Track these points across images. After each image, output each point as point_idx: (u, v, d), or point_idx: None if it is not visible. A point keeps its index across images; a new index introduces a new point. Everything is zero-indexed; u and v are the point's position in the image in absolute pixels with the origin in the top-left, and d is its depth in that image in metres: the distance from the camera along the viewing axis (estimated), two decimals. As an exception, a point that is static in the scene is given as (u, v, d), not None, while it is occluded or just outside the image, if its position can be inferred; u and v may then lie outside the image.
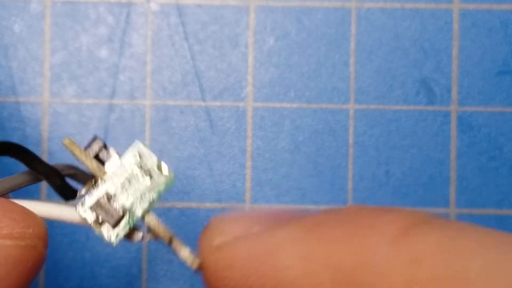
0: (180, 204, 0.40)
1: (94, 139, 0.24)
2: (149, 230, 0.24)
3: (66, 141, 0.24)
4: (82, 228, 0.39)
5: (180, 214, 0.40)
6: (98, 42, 0.40)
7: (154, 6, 0.40)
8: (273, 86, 0.40)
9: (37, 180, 0.25)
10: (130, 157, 0.24)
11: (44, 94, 0.40)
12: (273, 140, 0.40)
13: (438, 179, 0.41)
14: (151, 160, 0.24)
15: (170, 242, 0.24)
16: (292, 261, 0.23)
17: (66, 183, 0.25)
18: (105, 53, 0.40)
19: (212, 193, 0.40)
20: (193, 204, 0.40)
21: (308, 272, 0.23)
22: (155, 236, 0.24)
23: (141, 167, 0.24)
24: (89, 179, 0.25)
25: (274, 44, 0.40)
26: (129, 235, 0.24)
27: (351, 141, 0.40)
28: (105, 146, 0.24)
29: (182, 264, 0.39)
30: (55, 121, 0.40)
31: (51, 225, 0.39)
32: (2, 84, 0.40)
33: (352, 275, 0.23)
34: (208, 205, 0.40)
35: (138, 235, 0.24)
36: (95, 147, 0.24)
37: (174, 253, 0.25)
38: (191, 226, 0.41)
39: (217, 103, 0.40)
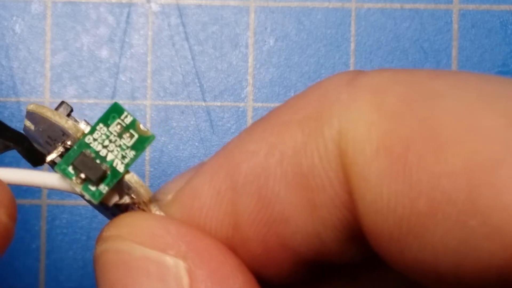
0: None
1: (62, 103, 0.24)
2: (124, 193, 0.24)
3: (32, 106, 0.24)
4: (82, 227, 0.39)
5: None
6: (98, 42, 0.40)
7: (154, 7, 0.40)
8: (273, 86, 0.40)
9: (5, 148, 0.25)
10: (109, 117, 0.23)
11: (45, 94, 0.40)
12: (273, 140, 0.40)
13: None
14: (130, 119, 0.23)
15: (148, 202, 0.23)
16: (258, 142, 0.23)
17: (34, 147, 0.25)
18: (106, 53, 0.40)
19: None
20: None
21: (276, 140, 0.23)
22: (131, 197, 0.24)
23: (120, 126, 0.24)
24: (45, 153, 0.24)
25: (274, 45, 0.40)
26: (106, 198, 0.24)
27: (351, 141, 0.40)
28: (71, 111, 0.24)
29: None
30: (56, 121, 0.40)
31: (51, 225, 0.39)
32: (3, 84, 0.40)
33: (318, 117, 0.22)
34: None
35: (115, 198, 0.24)
36: (63, 110, 0.24)
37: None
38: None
39: (218, 103, 0.40)
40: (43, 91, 0.40)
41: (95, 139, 0.23)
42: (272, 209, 0.23)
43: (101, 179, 0.23)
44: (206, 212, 0.23)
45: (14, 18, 0.40)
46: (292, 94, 0.40)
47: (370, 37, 0.40)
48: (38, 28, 0.40)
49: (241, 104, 0.40)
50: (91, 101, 0.40)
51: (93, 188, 0.23)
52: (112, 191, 0.24)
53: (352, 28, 0.40)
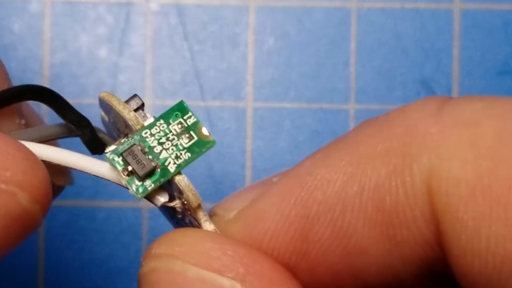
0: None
1: (133, 96, 0.23)
2: (176, 196, 0.23)
3: (104, 93, 0.23)
4: (81, 229, 0.39)
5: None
6: (97, 42, 0.40)
7: (153, 6, 0.40)
8: (273, 86, 0.40)
9: (70, 133, 0.23)
10: (172, 115, 0.23)
11: (43, 94, 0.40)
12: (273, 140, 0.40)
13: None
14: (193, 121, 0.23)
15: (196, 209, 0.23)
16: (335, 171, 0.22)
17: (96, 134, 0.24)
18: (105, 53, 0.40)
19: (212, 193, 0.40)
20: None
21: (357, 171, 0.21)
22: (182, 202, 0.23)
23: (181, 126, 0.23)
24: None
25: (274, 44, 0.40)
26: (153, 196, 0.23)
27: (351, 141, 0.40)
28: (142, 106, 0.23)
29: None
30: (54, 122, 0.39)
31: (51, 226, 0.39)
32: (1, 84, 0.40)
33: (406, 151, 0.21)
34: (207, 205, 0.40)
35: (163, 198, 0.23)
36: (133, 103, 0.23)
37: (194, 221, 0.23)
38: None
39: (217, 103, 0.40)
40: (42, 91, 0.40)
41: (152, 134, 0.22)
42: (348, 241, 0.22)
43: (149, 175, 0.22)
44: (271, 235, 0.22)
45: (13, 17, 0.40)
46: (292, 94, 0.40)
47: (371, 37, 0.40)
48: (36, 28, 0.40)
49: (241, 104, 0.40)
50: (90, 100, 0.40)
51: (138, 183, 0.22)
52: (160, 191, 0.23)
53: (352, 28, 0.40)
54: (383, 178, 0.21)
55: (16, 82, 0.40)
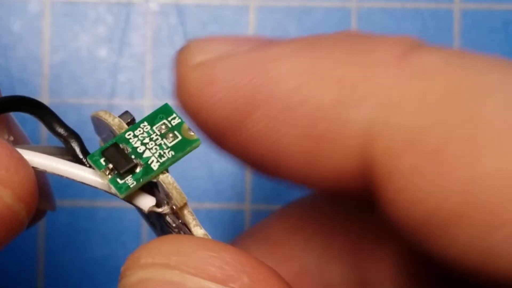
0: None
1: (125, 113, 0.23)
2: (165, 200, 0.22)
3: (93, 112, 0.23)
4: (81, 229, 0.39)
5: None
6: (97, 42, 0.40)
7: (153, 6, 0.40)
8: (273, 86, 0.40)
9: (63, 155, 0.23)
10: (156, 116, 0.23)
11: (43, 94, 0.40)
12: (273, 140, 0.40)
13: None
14: (177, 121, 0.22)
15: (182, 208, 0.22)
16: (290, 74, 0.22)
17: (85, 148, 0.23)
18: (105, 53, 0.40)
19: (212, 193, 0.40)
20: (193, 205, 0.39)
21: (308, 84, 0.22)
22: (171, 208, 0.22)
23: (166, 126, 0.22)
24: None
25: (274, 44, 0.40)
26: (140, 201, 0.22)
27: (351, 141, 0.40)
28: (133, 121, 0.23)
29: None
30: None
31: (51, 226, 0.39)
32: (1, 84, 0.40)
33: (357, 88, 0.21)
34: (208, 205, 0.40)
35: (151, 202, 0.22)
36: (124, 119, 0.23)
37: (183, 226, 0.23)
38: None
39: (217, 103, 0.40)
40: (42, 91, 0.40)
41: (135, 136, 0.22)
42: (277, 140, 0.22)
43: (130, 172, 0.22)
44: (213, 102, 0.22)
45: (12, 17, 0.40)
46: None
47: (371, 37, 0.40)
48: (36, 28, 0.40)
49: (241, 104, 0.40)
50: (89, 101, 0.40)
51: (120, 181, 0.22)
52: (146, 194, 0.22)
53: (353, 28, 0.40)
54: (327, 103, 0.22)
55: (16, 82, 0.40)
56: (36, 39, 0.40)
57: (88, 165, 0.23)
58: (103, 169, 0.22)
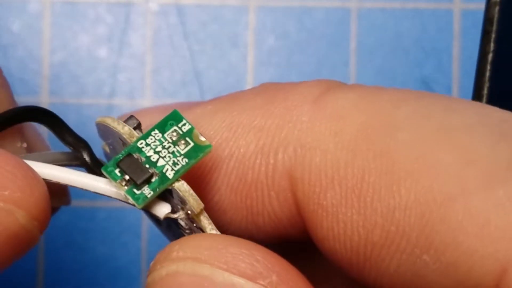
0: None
1: (130, 117, 0.23)
2: (179, 206, 0.23)
3: (98, 118, 0.23)
4: (81, 228, 0.39)
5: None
6: (97, 42, 0.40)
7: (153, 6, 0.40)
8: (273, 86, 0.40)
9: (72, 161, 0.24)
10: (166, 124, 0.23)
11: (43, 94, 0.40)
12: (273, 140, 0.40)
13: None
14: (188, 128, 0.23)
15: (199, 215, 0.22)
16: (214, 130, 0.23)
17: (95, 156, 0.24)
18: (104, 53, 0.40)
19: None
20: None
21: (232, 137, 0.23)
22: (186, 213, 0.22)
23: (176, 133, 0.22)
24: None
25: (274, 44, 0.40)
26: (155, 207, 0.22)
27: (351, 141, 0.40)
28: (139, 126, 0.23)
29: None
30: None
31: (51, 226, 0.39)
32: (1, 84, 0.40)
33: (275, 135, 0.23)
34: (207, 205, 0.40)
35: (166, 209, 0.23)
36: (130, 124, 0.23)
37: (198, 230, 0.23)
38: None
39: (217, 103, 0.40)
40: (42, 91, 0.40)
41: (147, 144, 0.22)
42: (211, 197, 0.23)
43: (146, 182, 0.22)
44: None
45: (12, 17, 0.40)
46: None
47: (371, 37, 0.40)
48: (36, 28, 0.40)
49: (241, 104, 0.40)
50: (89, 100, 0.40)
51: (137, 192, 0.22)
52: (161, 201, 0.23)
53: (353, 28, 0.40)
54: (250, 153, 0.23)
55: (16, 82, 0.40)
56: (36, 39, 0.40)
57: (100, 174, 0.23)
58: (119, 180, 0.22)
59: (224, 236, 0.22)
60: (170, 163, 0.22)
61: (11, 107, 0.24)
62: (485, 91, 0.30)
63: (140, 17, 0.40)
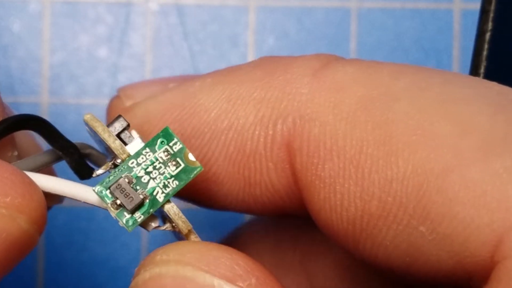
0: (180, 205, 0.39)
1: (118, 118, 0.23)
2: (167, 219, 0.23)
3: (88, 116, 0.23)
4: (81, 229, 0.39)
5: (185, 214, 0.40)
6: (97, 42, 0.40)
7: (153, 6, 0.40)
8: (273, 86, 0.40)
9: (59, 159, 0.24)
10: (157, 142, 0.23)
11: (43, 94, 0.40)
12: (273, 140, 0.40)
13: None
14: (179, 147, 0.23)
15: (188, 234, 0.23)
16: (214, 102, 0.23)
17: (83, 160, 0.24)
18: (104, 53, 0.40)
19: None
20: (193, 205, 0.40)
21: (231, 108, 0.23)
22: (172, 226, 0.23)
23: (168, 153, 0.23)
24: (105, 160, 0.24)
25: (274, 44, 0.40)
26: (144, 222, 0.23)
27: (351, 141, 0.40)
28: (127, 127, 0.23)
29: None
30: (54, 121, 0.39)
31: (51, 226, 0.39)
32: (1, 84, 0.40)
33: (274, 107, 0.23)
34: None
35: (154, 223, 0.23)
36: (118, 126, 0.23)
37: None
38: (199, 228, 0.41)
39: (217, 103, 0.40)
40: (41, 91, 0.40)
41: (139, 164, 0.22)
42: (208, 169, 0.24)
43: (138, 207, 0.22)
44: (154, 133, 0.24)
45: (12, 17, 0.40)
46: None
47: (371, 37, 0.40)
48: (36, 28, 0.40)
49: (241, 104, 0.40)
50: (89, 101, 0.40)
51: (127, 216, 0.22)
52: (151, 216, 0.23)
53: (352, 28, 0.40)
54: (249, 124, 0.23)
55: (16, 82, 0.40)
56: (36, 39, 0.40)
57: (88, 177, 0.23)
58: (110, 202, 0.22)
59: (207, 242, 0.22)
60: (161, 185, 0.23)
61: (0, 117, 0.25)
62: (482, 70, 0.30)
63: (140, 17, 0.40)
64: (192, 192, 0.25)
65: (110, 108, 0.26)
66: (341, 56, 0.24)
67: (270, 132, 0.23)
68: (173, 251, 0.21)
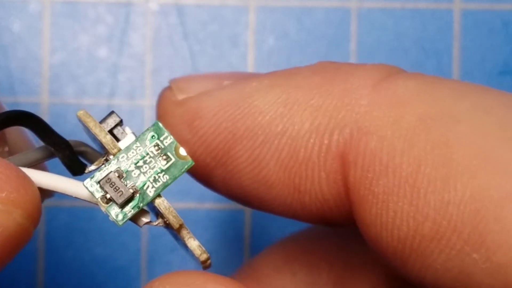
0: (179, 205, 0.39)
1: (111, 113, 0.23)
2: (158, 214, 0.23)
3: (81, 112, 0.23)
4: (80, 229, 0.39)
5: (179, 214, 0.40)
6: (97, 42, 0.40)
7: (153, 6, 0.40)
8: (273, 86, 0.40)
9: (52, 155, 0.24)
10: (148, 136, 0.23)
11: (43, 94, 0.40)
12: (273, 140, 0.40)
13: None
14: (170, 141, 0.23)
15: (179, 229, 0.23)
16: (269, 105, 0.23)
17: (75, 156, 0.24)
18: (104, 53, 0.40)
19: (211, 193, 0.40)
20: (193, 205, 0.40)
21: (287, 113, 0.23)
22: (164, 221, 0.23)
23: (158, 147, 0.22)
24: (100, 157, 0.24)
25: (274, 44, 0.40)
26: (136, 217, 0.23)
27: (351, 141, 0.40)
28: (121, 123, 0.23)
29: (181, 265, 0.39)
30: (54, 122, 0.39)
31: (51, 226, 0.39)
32: (1, 84, 0.40)
33: (332, 116, 0.22)
34: (207, 205, 0.40)
35: (145, 218, 0.23)
36: (111, 121, 0.23)
37: (182, 242, 0.24)
38: (191, 227, 0.40)
39: (217, 103, 0.40)
40: (41, 91, 0.40)
41: (129, 158, 0.22)
42: (259, 171, 0.23)
43: (127, 202, 0.22)
44: (201, 134, 0.23)
45: (12, 17, 0.40)
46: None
47: (371, 37, 0.40)
48: (36, 28, 0.40)
49: (241, 104, 0.40)
50: (89, 101, 0.40)
51: (118, 210, 0.22)
52: (143, 212, 0.23)
53: (353, 28, 0.40)
54: (305, 131, 0.23)
55: (16, 82, 0.40)
56: (36, 39, 0.40)
57: (80, 173, 0.23)
58: (100, 197, 0.22)
59: (205, 273, 0.22)
60: (151, 179, 0.22)
61: None
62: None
63: (140, 17, 0.40)
64: (241, 193, 0.24)
65: (161, 99, 0.25)
66: (402, 68, 0.23)
67: (326, 142, 0.22)
68: (169, 283, 0.21)
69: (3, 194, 0.21)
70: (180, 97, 0.24)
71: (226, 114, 0.23)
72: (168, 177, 0.23)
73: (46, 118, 0.40)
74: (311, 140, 0.22)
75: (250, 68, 0.40)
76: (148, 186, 0.22)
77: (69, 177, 0.24)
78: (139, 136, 0.23)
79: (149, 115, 0.40)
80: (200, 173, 0.24)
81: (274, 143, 0.23)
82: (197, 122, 0.24)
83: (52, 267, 0.39)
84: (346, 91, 0.22)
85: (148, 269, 0.39)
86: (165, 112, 0.24)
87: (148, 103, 0.40)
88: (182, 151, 0.22)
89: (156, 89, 0.40)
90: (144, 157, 0.22)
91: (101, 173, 0.22)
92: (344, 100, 0.22)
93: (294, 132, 0.23)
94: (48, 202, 0.40)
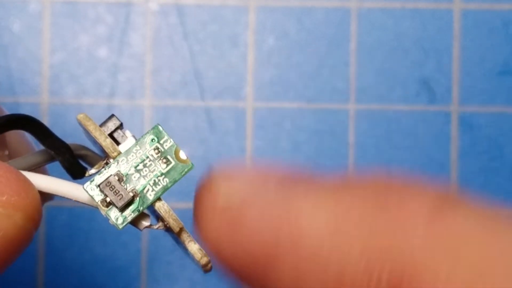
0: (180, 205, 0.39)
1: (111, 117, 0.23)
2: (159, 218, 0.23)
3: (81, 116, 0.23)
4: (81, 229, 0.39)
5: (180, 215, 0.40)
6: (97, 42, 0.40)
7: (153, 6, 0.40)
8: (273, 86, 0.40)
9: (52, 159, 0.24)
10: (148, 140, 0.22)
11: (43, 94, 0.40)
12: (273, 140, 0.40)
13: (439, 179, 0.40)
14: (170, 145, 0.22)
15: (179, 233, 0.23)
16: (314, 222, 0.22)
17: (76, 160, 0.24)
18: (104, 53, 0.40)
19: (211, 193, 0.40)
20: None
21: (334, 243, 0.22)
22: (165, 225, 0.23)
23: (158, 151, 0.22)
24: (100, 160, 0.24)
25: (274, 44, 0.40)
26: (136, 221, 0.23)
27: (351, 141, 0.40)
28: (121, 126, 0.23)
29: (181, 265, 0.39)
30: (54, 122, 0.39)
31: (51, 226, 0.39)
32: (1, 84, 0.40)
33: (384, 247, 0.22)
34: (207, 205, 0.40)
35: (146, 222, 0.23)
36: (111, 125, 0.23)
37: (183, 246, 0.24)
38: (191, 227, 0.41)
39: (217, 103, 0.40)
40: (41, 91, 0.40)
41: (129, 161, 0.22)
42: (303, 284, 0.22)
43: (127, 205, 0.22)
44: (231, 259, 0.22)
45: (12, 17, 0.40)
46: (292, 94, 0.40)
47: (371, 37, 0.40)
48: (36, 28, 0.40)
49: (241, 104, 0.40)
50: (89, 101, 0.40)
51: (117, 213, 0.23)
52: (143, 215, 0.23)
53: (352, 28, 0.40)
54: (353, 254, 0.22)
55: (16, 82, 0.40)
56: (36, 39, 0.40)
57: (80, 177, 0.24)
58: (100, 201, 0.22)
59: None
60: (151, 183, 0.22)
61: None
62: None
63: (140, 17, 0.40)
64: None
65: (205, 199, 0.24)
66: (456, 196, 0.22)
67: (374, 278, 0.21)
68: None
69: (4, 198, 0.21)
70: (222, 201, 0.23)
71: (269, 227, 0.22)
72: (168, 180, 0.23)
73: (46, 118, 0.40)
74: (358, 265, 0.21)
75: (250, 68, 0.40)
76: (148, 190, 0.22)
77: (69, 180, 0.24)
78: (139, 139, 0.23)
79: (149, 115, 0.40)
80: (239, 280, 0.24)
81: (319, 262, 0.22)
82: (238, 232, 0.23)
83: (52, 267, 0.39)
84: (399, 223, 0.21)
85: (148, 269, 0.39)
86: (207, 220, 0.23)
87: (148, 103, 0.40)
88: (182, 155, 0.22)
89: (156, 89, 0.40)
90: (144, 160, 0.22)
91: (101, 177, 0.22)
92: (397, 234, 0.21)
93: (341, 254, 0.22)
94: (48, 202, 0.40)
